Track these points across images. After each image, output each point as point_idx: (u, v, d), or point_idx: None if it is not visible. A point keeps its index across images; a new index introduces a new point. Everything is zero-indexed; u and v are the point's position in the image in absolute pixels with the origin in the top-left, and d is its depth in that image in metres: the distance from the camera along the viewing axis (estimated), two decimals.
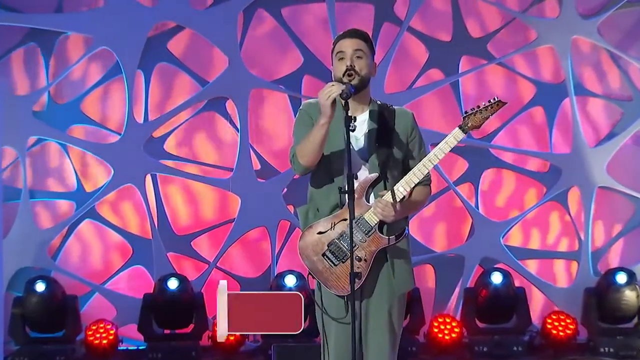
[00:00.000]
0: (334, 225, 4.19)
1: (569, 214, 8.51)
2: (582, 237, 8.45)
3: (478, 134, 8.36)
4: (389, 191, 4.16)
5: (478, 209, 8.41)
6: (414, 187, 4.20)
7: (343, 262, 4.19)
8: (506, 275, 7.92)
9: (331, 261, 4.20)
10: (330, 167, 4.24)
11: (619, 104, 8.57)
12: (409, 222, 4.31)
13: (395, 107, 4.33)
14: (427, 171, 4.15)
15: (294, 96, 8.25)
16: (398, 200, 4.13)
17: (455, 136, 4.13)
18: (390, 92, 8.22)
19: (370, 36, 4.23)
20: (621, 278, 7.96)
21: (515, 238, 8.49)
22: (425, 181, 4.30)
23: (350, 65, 4.17)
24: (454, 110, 8.31)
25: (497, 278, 7.87)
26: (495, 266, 8.16)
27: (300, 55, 8.31)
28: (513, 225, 8.43)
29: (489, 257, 8.33)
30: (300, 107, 4.38)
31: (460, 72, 8.40)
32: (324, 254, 4.21)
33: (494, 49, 8.45)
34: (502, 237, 8.40)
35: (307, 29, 8.30)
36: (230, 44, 8.16)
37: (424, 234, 8.40)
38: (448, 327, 7.85)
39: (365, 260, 4.14)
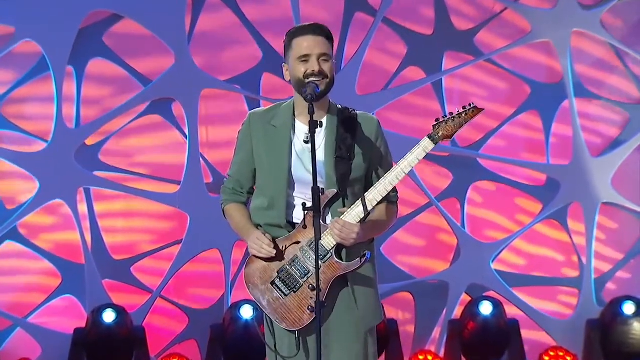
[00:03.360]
0: (285, 249, 4.21)
1: (569, 234, 8.37)
2: (584, 261, 8.30)
3: (464, 142, 8.22)
4: (348, 210, 4.18)
5: (464, 228, 8.26)
6: (376, 205, 4.23)
7: (294, 292, 4.19)
8: (497, 305, 7.85)
9: (281, 291, 4.20)
10: (272, 181, 4.26)
11: (625, 107, 8.43)
12: (374, 245, 4.33)
13: (357, 113, 4.34)
14: (391, 187, 4.19)
15: (251, 97, 8.07)
16: (358, 220, 4.16)
17: (424, 147, 4.18)
18: (363, 94, 8.08)
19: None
20: (629, 308, 7.91)
21: (507, 262, 8.35)
22: (392, 198, 4.32)
23: (319, 71, 4.21)
24: (436, 114, 7.82)
25: (486, 308, 7.81)
26: (484, 294, 8.07)
27: (258, 49, 8.13)
28: (504, 247, 8.29)
29: (476, 284, 8.20)
30: (244, 121, 4.40)
31: (443, 70, 8.26)
32: (273, 283, 4.22)
33: (483, 43, 8.33)
34: (492, 261, 8.24)
35: (267, 19, 8.14)
36: (177, 36, 7.95)
37: (402, 257, 8.26)
38: None
39: (319, 289, 4.08)
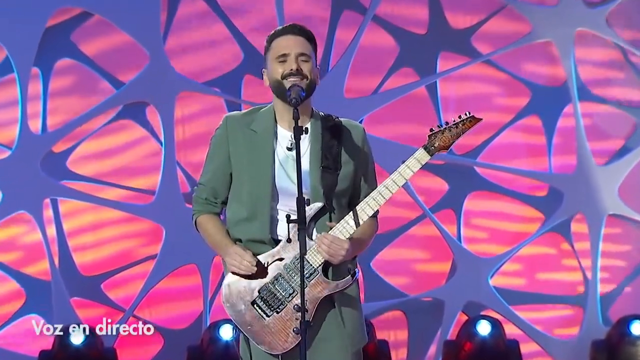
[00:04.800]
0: (267, 265, 4.15)
1: (573, 248, 8.38)
2: (589, 277, 8.33)
3: (461, 149, 8.24)
4: (337, 224, 4.16)
5: (460, 242, 8.26)
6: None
7: (277, 313, 4.13)
8: (495, 324, 7.88)
9: (263, 311, 4.14)
10: (253, 191, 4.19)
11: (632, 112, 8.45)
12: (356, 263, 4.30)
13: (342, 120, 4.33)
14: (383, 201, 4.18)
15: (231, 101, 8.04)
16: (348, 236, 4.16)
17: (418, 159, 4.17)
18: (351, 97, 8.11)
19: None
20: (637, 328, 7.94)
21: (506, 278, 8.36)
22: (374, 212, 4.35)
23: (297, 69, 4.19)
24: (429, 120, 8.15)
25: (484, 328, 7.82)
26: (482, 313, 8.11)
27: (239, 50, 8.10)
28: (504, 263, 8.32)
29: (474, 301, 8.23)
30: (220, 125, 4.34)
31: (438, 72, 8.29)
32: (253, 302, 4.16)
33: (480, 43, 8.32)
34: (491, 277, 8.26)
35: (249, 18, 8.13)
36: (151, 35, 7.99)
37: (394, 273, 8.24)
38: None
39: (305, 310, 4.03)
